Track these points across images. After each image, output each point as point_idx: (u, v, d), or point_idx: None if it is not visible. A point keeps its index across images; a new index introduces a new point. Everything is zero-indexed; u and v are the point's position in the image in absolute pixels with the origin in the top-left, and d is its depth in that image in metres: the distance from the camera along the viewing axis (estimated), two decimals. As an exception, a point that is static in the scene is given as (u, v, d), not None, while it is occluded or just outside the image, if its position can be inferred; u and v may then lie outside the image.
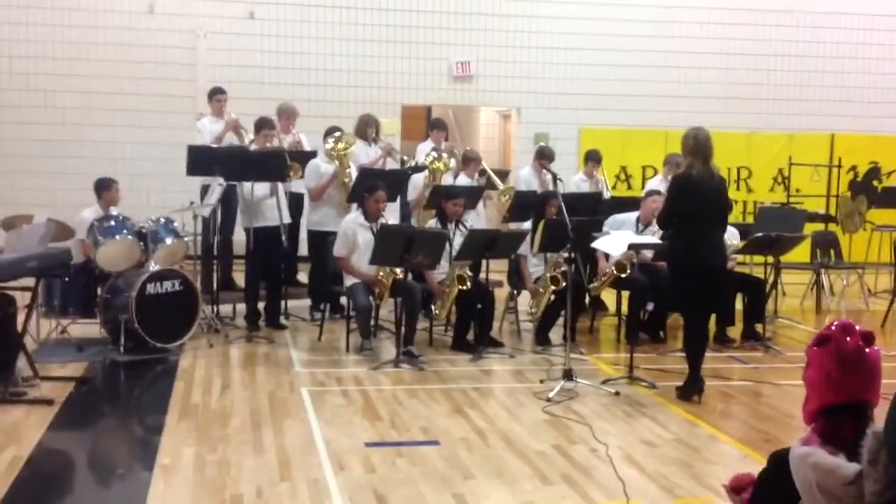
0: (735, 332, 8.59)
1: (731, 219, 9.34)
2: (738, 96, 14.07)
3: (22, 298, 6.59)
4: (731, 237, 8.66)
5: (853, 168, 14.31)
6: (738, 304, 8.70)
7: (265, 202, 8.49)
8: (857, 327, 2.55)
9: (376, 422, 5.91)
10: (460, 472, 5.01)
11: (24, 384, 6.36)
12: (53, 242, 7.02)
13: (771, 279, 9.46)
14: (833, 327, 2.57)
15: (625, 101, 13.72)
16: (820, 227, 11.39)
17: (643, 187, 11.64)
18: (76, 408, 6.15)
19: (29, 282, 6.57)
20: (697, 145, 6.65)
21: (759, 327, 8.46)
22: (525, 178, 10.21)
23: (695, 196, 6.55)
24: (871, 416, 2.51)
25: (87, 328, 7.90)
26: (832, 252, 10.90)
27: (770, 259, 9.10)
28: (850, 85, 14.34)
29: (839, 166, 12.92)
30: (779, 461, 2.63)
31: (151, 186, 12.12)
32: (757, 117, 14.12)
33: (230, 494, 4.59)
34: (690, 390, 6.57)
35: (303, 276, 10.03)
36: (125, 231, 7.64)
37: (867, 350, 2.52)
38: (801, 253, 10.76)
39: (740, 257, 9.26)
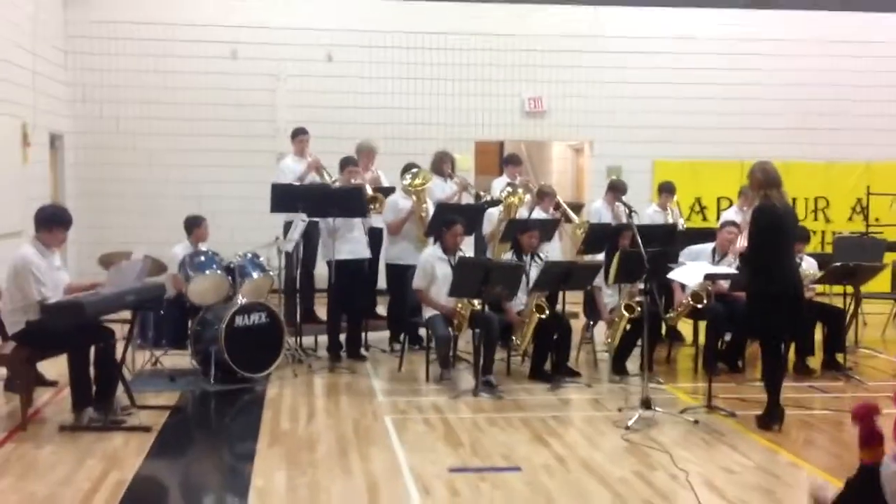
0: (815, 362, 8.55)
1: (808, 249, 9.36)
2: (813, 127, 13.97)
3: (119, 331, 6.94)
4: (810, 267, 8.68)
5: (933, 196, 14.06)
6: (818, 335, 8.67)
7: (345, 235, 8.74)
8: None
9: (458, 448, 6.07)
10: (543, 497, 5.14)
11: (123, 413, 6.69)
12: (148, 278, 7.35)
13: (851, 309, 9.39)
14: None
15: (698, 133, 13.75)
16: (899, 256, 11.24)
17: (718, 218, 11.63)
18: (172, 434, 6.44)
19: (127, 315, 6.93)
20: (767, 177, 6.70)
21: (839, 357, 8.42)
22: (597, 210, 10.35)
23: (781, 226, 6.62)
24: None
25: (179, 359, 8.23)
26: (914, 282, 10.75)
27: (850, 289, 9.04)
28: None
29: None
30: (869, 473, 2.72)
31: (234, 224, 12.46)
32: (832, 148, 13.99)
33: (322, 516, 4.80)
34: (771, 419, 6.58)
35: (381, 310, 10.26)
36: (215, 266, 7.98)
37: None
38: (881, 283, 10.63)
39: (819, 287, 9.21)
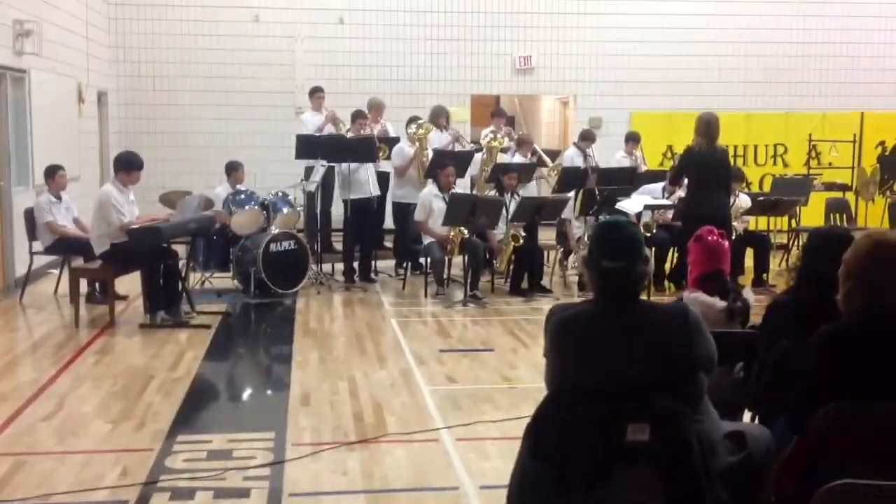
0: (746, 280, 10.31)
1: (766, 189, 11.12)
2: (775, 80, 15.59)
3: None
4: (744, 202, 10.42)
5: (881, 143, 15.69)
6: (749, 260, 10.43)
7: (358, 177, 10.48)
8: (714, 230, 4.43)
9: (448, 338, 7.93)
10: (508, 365, 6.99)
11: (186, 316, 8.53)
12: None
13: (788, 241, 11.14)
14: (702, 231, 4.44)
15: (670, 87, 15.35)
16: (838, 195, 12.98)
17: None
18: (227, 331, 8.32)
19: (184, 240, 8.74)
20: (709, 128, 8.59)
21: (764, 276, 10.19)
22: (570, 156, 12.05)
23: (695, 165, 8.46)
24: (725, 280, 4.38)
25: (224, 281, 10.04)
26: (844, 217, 12.48)
27: (787, 225, 10.77)
28: (878, 67, 15.75)
29: (854, 141, 14.44)
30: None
31: (257, 170, 14.11)
32: (792, 99, 15.62)
33: (347, 375, 6.65)
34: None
35: (387, 244, 12.03)
36: (252, 202, 9.75)
37: (721, 241, 4.41)
38: (817, 218, 12.41)
39: (770, 224, 10.92)
